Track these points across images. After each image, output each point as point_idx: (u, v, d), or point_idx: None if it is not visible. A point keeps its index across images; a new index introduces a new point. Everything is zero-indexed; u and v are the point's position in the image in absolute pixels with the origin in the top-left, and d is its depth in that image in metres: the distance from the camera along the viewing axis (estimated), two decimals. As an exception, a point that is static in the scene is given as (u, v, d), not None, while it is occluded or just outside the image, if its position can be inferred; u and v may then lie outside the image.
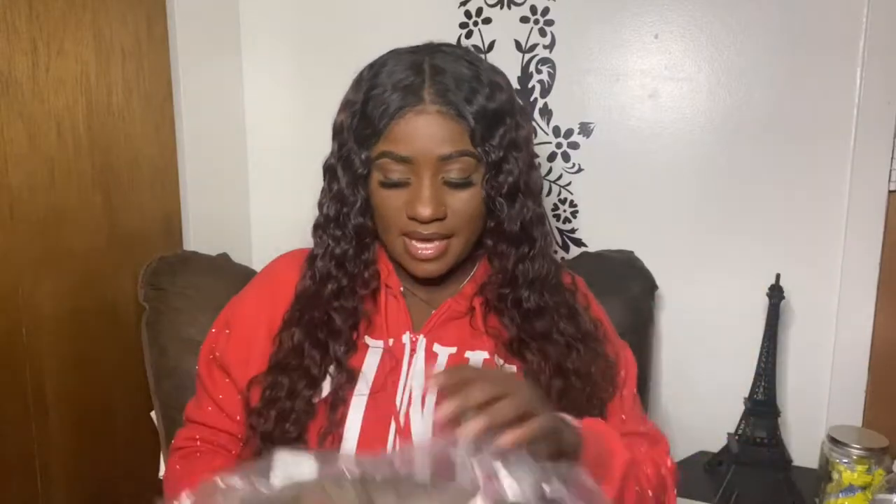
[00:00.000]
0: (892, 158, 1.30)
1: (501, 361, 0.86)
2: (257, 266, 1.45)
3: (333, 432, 0.81)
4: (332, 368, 0.84)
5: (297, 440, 0.81)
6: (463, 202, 0.81)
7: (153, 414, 1.27)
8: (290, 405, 0.82)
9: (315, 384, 0.83)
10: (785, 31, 1.33)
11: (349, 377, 0.83)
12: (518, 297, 0.86)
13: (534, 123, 1.47)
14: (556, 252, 0.94)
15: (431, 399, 0.83)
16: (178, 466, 0.92)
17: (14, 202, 1.09)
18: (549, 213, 1.50)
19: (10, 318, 1.10)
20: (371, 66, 0.83)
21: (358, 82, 0.83)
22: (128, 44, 1.29)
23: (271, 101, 1.61)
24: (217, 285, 1.29)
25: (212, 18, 1.51)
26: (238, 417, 0.90)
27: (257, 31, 1.59)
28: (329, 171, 0.86)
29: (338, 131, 0.85)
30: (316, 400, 0.83)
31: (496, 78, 0.82)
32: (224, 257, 1.40)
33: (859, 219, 1.33)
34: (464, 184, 0.80)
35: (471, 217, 0.82)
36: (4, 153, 1.07)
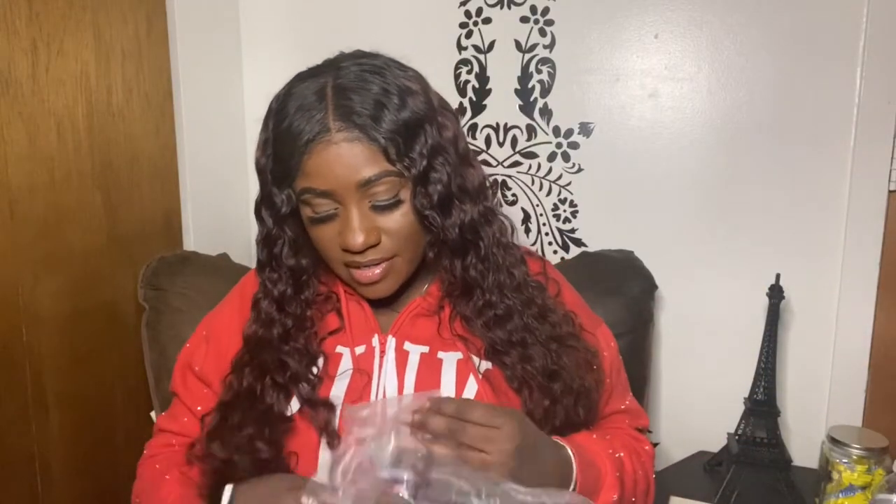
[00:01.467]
0: (892, 158, 1.30)
1: (478, 360, 0.84)
2: (257, 266, 1.45)
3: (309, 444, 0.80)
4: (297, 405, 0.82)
5: (272, 458, 0.79)
6: (395, 223, 0.78)
7: (153, 414, 1.27)
8: (256, 431, 0.79)
9: (285, 421, 0.80)
10: (785, 31, 1.33)
11: (323, 407, 0.81)
12: (479, 305, 0.84)
13: (533, 124, 1.47)
14: (514, 241, 0.90)
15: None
16: (157, 466, 0.90)
17: (14, 202, 1.09)
18: (549, 213, 1.50)
19: (10, 318, 1.10)
20: (277, 96, 0.80)
21: (266, 117, 0.80)
22: (128, 44, 1.29)
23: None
24: (217, 285, 1.29)
25: (212, 18, 1.51)
26: None
27: (257, 31, 1.59)
28: (257, 212, 0.84)
29: (259, 171, 0.82)
30: (289, 413, 0.81)
31: (407, 83, 0.78)
32: (224, 257, 1.40)
33: (859, 219, 1.33)
34: (392, 204, 0.77)
35: (407, 235, 0.80)
36: (4, 153, 1.07)
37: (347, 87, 0.75)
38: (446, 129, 0.80)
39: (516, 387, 0.83)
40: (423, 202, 0.78)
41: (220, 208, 1.56)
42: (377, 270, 0.80)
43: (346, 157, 0.74)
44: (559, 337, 0.86)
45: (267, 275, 0.85)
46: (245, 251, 1.64)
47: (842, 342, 1.38)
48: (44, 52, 1.13)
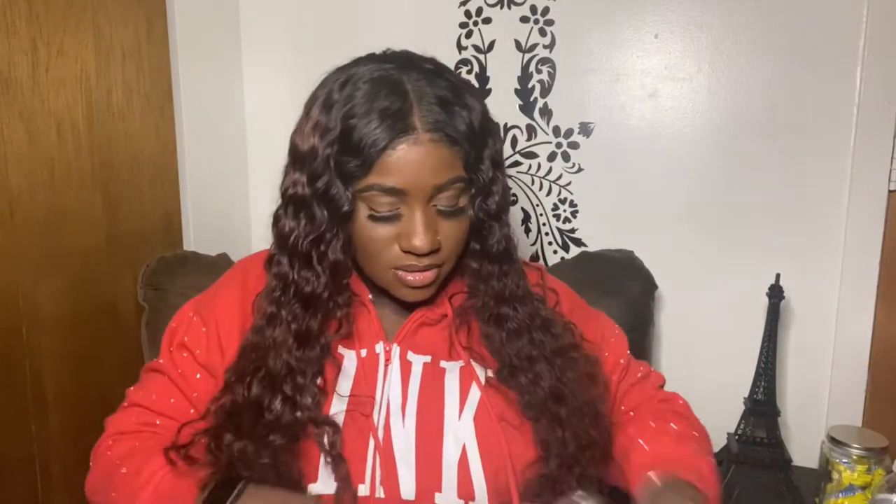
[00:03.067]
0: (892, 158, 1.31)
1: (482, 369, 0.84)
2: (257, 266, 1.45)
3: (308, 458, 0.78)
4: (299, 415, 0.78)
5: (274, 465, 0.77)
6: (454, 230, 0.78)
7: (153, 414, 1.27)
8: (261, 446, 0.76)
9: (294, 432, 0.77)
10: (785, 31, 1.33)
11: (324, 423, 0.78)
12: (503, 315, 0.84)
13: (533, 124, 1.47)
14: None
15: (412, 411, 0.80)
16: (136, 444, 0.85)
17: (14, 202, 1.09)
18: (549, 213, 1.50)
19: (10, 318, 1.10)
20: (342, 83, 0.76)
21: (328, 104, 0.76)
22: (128, 44, 1.29)
23: (271, 101, 1.61)
24: (217, 285, 1.29)
25: (212, 18, 1.51)
26: (195, 394, 0.85)
27: (257, 31, 1.59)
28: (296, 201, 0.78)
29: (306, 157, 0.77)
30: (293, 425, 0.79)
31: (472, 94, 0.78)
32: (224, 257, 1.40)
33: (859, 219, 1.33)
34: (455, 211, 0.77)
35: (460, 243, 0.80)
36: (4, 153, 1.07)
37: (427, 90, 0.74)
38: (499, 142, 0.82)
39: (532, 416, 0.82)
40: (482, 212, 0.79)
41: (220, 208, 1.56)
42: (430, 274, 0.78)
43: (430, 158, 0.73)
44: (561, 349, 0.85)
45: (299, 270, 0.79)
46: (245, 251, 1.63)
47: (842, 342, 1.38)
48: (44, 52, 1.13)
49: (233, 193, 1.61)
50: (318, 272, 0.79)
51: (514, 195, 1.51)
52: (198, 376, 0.86)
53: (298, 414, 0.77)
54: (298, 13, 1.57)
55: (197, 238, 1.46)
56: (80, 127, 1.20)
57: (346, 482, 0.77)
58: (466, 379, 0.83)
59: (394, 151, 0.72)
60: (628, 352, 0.97)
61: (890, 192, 1.32)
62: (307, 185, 0.77)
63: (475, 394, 0.82)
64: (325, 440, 0.77)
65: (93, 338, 1.25)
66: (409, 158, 0.72)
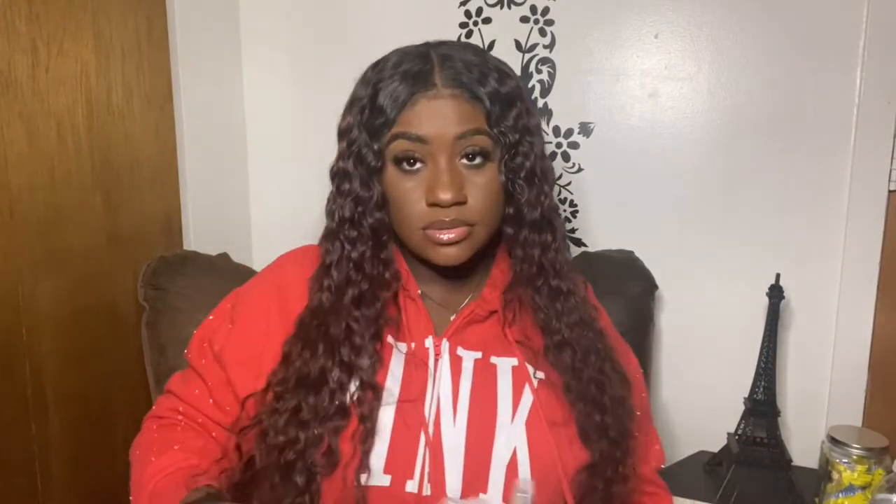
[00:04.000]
0: (892, 158, 1.31)
1: (532, 370, 0.84)
2: (257, 266, 1.46)
3: (362, 446, 0.77)
4: (356, 383, 0.80)
5: (328, 467, 0.77)
6: (482, 184, 0.78)
7: (153, 414, 1.27)
8: (319, 431, 0.77)
9: (344, 411, 0.78)
10: (785, 30, 1.33)
11: (375, 392, 0.79)
12: (553, 286, 0.83)
13: (534, 123, 1.47)
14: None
15: (464, 408, 0.80)
16: (156, 435, 0.88)
17: (14, 202, 1.09)
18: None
19: (10, 318, 1.10)
20: (375, 64, 0.82)
21: (363, 81, 0.82)
22: (128, 44, 1.29)
23: (271, 101, 1.61)
24: (217, 285, 1.29)
25: (212, 18, 1.51)
26: (228, 408, 0.86)
27: (257, 31, 1.59)
28: (339, 174, 0.82)
29: (345, 131, 0.82)
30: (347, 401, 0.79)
31: (503, 66, 0.82)
32: (224, 257, 1.40)
33: (859, 219, 1.33)
34: (482, 162, 0.78)
35: (491, 200, 0.79)
36: (4, 153, 1.07)
37: (451, 55, 0.78)
38: (534, 118, 0.83)
39: (572, 399, 0.82)
40: (511, 171, 0.79)
41: (220, 208, 1.56)
42: (460, 231, 0.78)
43: (449, 110, 0.76)
44: (599, 349, 0.86)
45: (346, 234, 0.82)
46: (245, 251, 1.64)
47: (842, 342, 1.38)
48: (44, 52, 1.13)
49: (233, 193, 1.61)
50: (360, 234, 0.82)
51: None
52: (219, 373, 0.87)
53: (354, 382, 0.79)
54: (298, 13, 1.57)
55: (197, 238, 1.46)
56: (80, 127, 1.20)
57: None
58: (519, 380, 0.83)
59: (414, 105, 0.76)
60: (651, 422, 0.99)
61: (890, 192, 1.32)
62: (346, 155, 0.81)
63: (528, 397, 0.82)
64: (367, 411, 0.78)
65: (93, 338, 1.25)
66: (430, 110, 0.76)
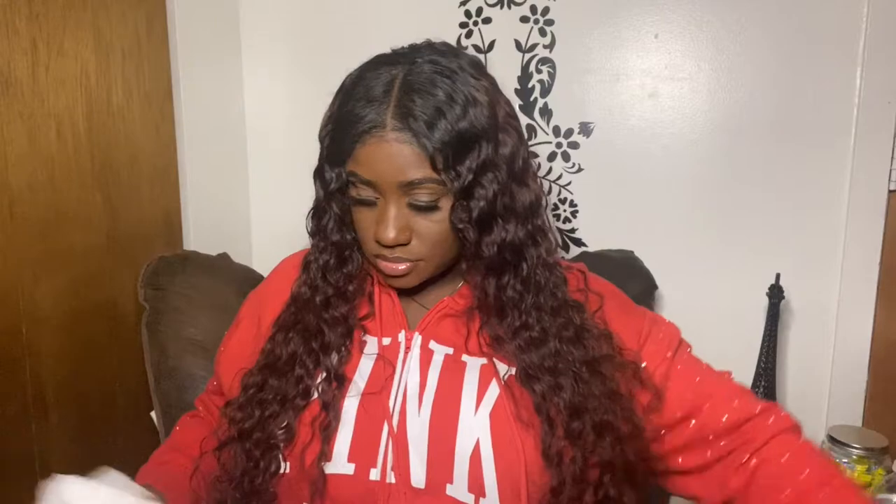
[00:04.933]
0: (892, 158, 1.31)
1: (505, 367, 0.83)
2: (257, 266, 1.46)
3: (322, 433, 0.80)
4: (322, 374, 0.84)
5: (285, 442, 0.81)
6: (428, 228, 0.79)
7: (153, 414, 1.27)
8: (278, 409, 0.82)
9: (307, 394, 0.83)
10: (785, 30, 1.33)
11: (340, 383, 0.83)
12: (515, 326, 0.82)
13: (534, 124, 1.47)
14: (559, 256, 0.88)
15: (429, 400, 0.81)
16: (176, 428, 1.00)
17: (14, 202, 1.09)
18: (550, 213, 1.50)
19: (10, 318, 1.10)
20: (350, 75, 0.81)
21: (338, 91, 0.82)
22: (128, 43, 1.29)
23: (271, 101, 1.61)
24: (217, 285, 1.29)
25: (212, 18, 1.51)
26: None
27: (257, 31, 1.59)
28: (315, 176, 0.85)
29: (320, 140, 0.84)
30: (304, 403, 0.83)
31: (475, 93, 0.77)
32: (224, 257, 1.40)
33: (859, 219, 1.33)
34: (429, 208, 0.78)
35: (436, 242, 0.80)
36: (4, 153, 1.07)
37: (413, 86, 0.75)
38: (504, 146, 0.79)
39: (542, 418, 0.80)
40: (461, 216, 0.78)
41: (220, 208, 1.56)
42: (401, 266, 0.81)
43: (394, 156, 0.75)
44: (592, 361, 0.83)
45: (317, 242, 0.87)
46: (245, 251, 1.64)
47: (842, 342, 1.38)
48: (44, 52, 1.13)
49: (233, 193, 1.61)
50: (325, 246, 0.86)
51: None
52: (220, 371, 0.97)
53: (321, 373, 0.84)
54: (298, 13, 1.57)
55: (197, 238, 1.46)
56: (80, 127, 1.20)
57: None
58: (486, 375, 0.83)
59: (364, 145, 0.76)
60: (713, 374, 0.91)
61: (890, 192, 1.32)
62: (319, 161, 0.84)
63: (494, 391, 0.81)
64: (330, 398, 0.82)
65: (93, 338, 1.25)
66: (377, 154, 0.76)
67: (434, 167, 0.75)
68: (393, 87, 0.76)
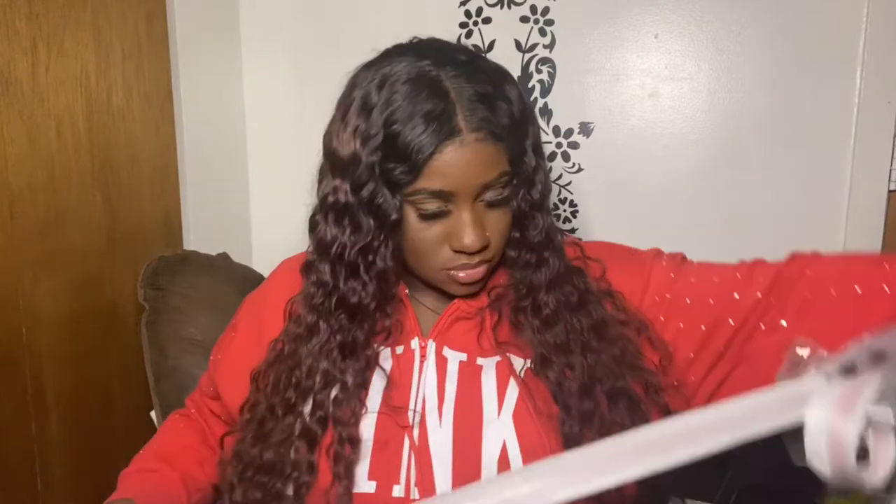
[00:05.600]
0: (892, 158, 1.31)
1: (521, 362, 0.81)
2: (257, 266, 1.46)
3: (343, 454, 0.77)
4: (335, 391, 0.80)
5: (306, 475, 0.77)
6: (498, 222, 0.77)
7: (153, 414, 1.27)
8: (298, 444, 0.78)
9: (324, 423, 0.78)
10: (785, 31, 1.33)
11: (355, 405, 0.78)
12: (537, 304, 0.81)
13: (534, 123, 1.48)
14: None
15: (449, 410, 0.79)
16: (162, 427, 0.98)
17: (14, 202, 1.09)
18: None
19: (10, 318, 1.10)
20: (378, 84, 0.73)
21: (367, 107, 0.73)
22: (128, 43, 1.29)
23: (271, 101, 1.61)
24: (217, 285, 1.29)
25: (212, 18, 1.51)
26: (222, 405, 0.91)
27: (257, 31, 1.59)
28: (337, 209, 0.76)
29: (348, 164, 0.74)
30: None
31: (510, 82, 0.77)
32: (224, 257, 1.40)
33: (859, 219, 1.33)
34: (500, 202, 0.75)
35: (504, 236, 0.78)
36: (4, 153, 1.07)
37: (466, 86, 0.72)
38: (538, 128, 0.80)
39: (560, 405, 0.79)
40: (525, 202, 0.77)
41: (220, 208, 1.56)
42: (481, 270, 0.77)
43: (476, 157, 0.71)
44: (598, 325, 0.81)
45: (345, 279, 0.77)
46: (245, 251, 1.64)
47: (842, 342, 1.38)
48: (44, 52, 1.13)
49: (233, 193, 1.61)
50: (364, 281, 0.77)
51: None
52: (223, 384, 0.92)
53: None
54: (298, 13, 1.57)
55: (197, 238, 1.46)
56: (80, 127, 1.20)
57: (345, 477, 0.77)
58: (503, 375, 0.81)
59: (441, 155, 0.70)
60: (716, 268, 0.85)
61: (890, 192, 1.32)
62: (351, 193, 0.74)
63: (513, 391, 0.80)
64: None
65: (93, 338, 1.25)
66: (457, 161, 0.71)
67: (510, 160, 0.74)
68: (446, 90, 0.71)
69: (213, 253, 1.39)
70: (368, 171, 0.72)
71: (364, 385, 0.80)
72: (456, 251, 0.75)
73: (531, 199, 0.77)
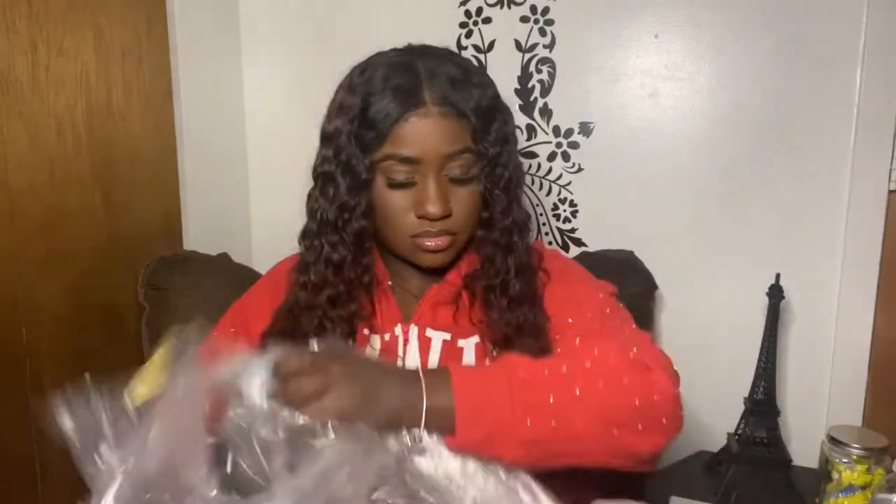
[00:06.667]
0: (892, 158, 1.31)
1: (491, 346, 0.87)
2: (257, 266, 1.46)
3: None
4: None
5: None
6: (464, 198, 0.83)
7: (153, 414, 1.27)
8: None
9: None
10: (785, 31, 1.33)
11: None
12: (506, 285, 0.87)
13: (533, 124, 1.47)
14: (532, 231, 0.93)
15: None
16: None
17: (14, 202, 1.09)
18: (549, 213, 1.50)
19: (10, 318, 1.10)
20: (361, 70, 0.84)
21: (350, 87, 0.84)
22: (128, 44, 1.29)
23: (271, 101, 1.61)
24: (217, 285, 1.29)
25: (212, 18, 1.51)
26: None
27: (257, 31, 1.59)
28: (324, 176, 0.85)
29: (332, 136, 0.84)
30: None
31: (483, 77, 0.85)
32: (224, 257, 1.40)
33: (859, 219, 1.33)
34: (466, 179, 0.83)
35: (471, 213, 0.85)
36: (4, 153, 1.07)
37: (437, 69, 0.81)
38: (509, 124, 0.86)
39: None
40: (491, 182, 0.84)
41: (220, 208, 1.56)
42: (445, 240, 0.83)
43: (439, 129, 0.80)
44: (539, 329, 0.87)
45: (328, 237, 0.86)
46: (245, 251, 1.64)
47: (842, 342, 1.38)
48: (44, 52, 1.13)
49: (233, 193, 1.61)
50: (343, 238, 0.85)
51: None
52: None
53: None
54: (298, 13, 1.57)
55: (197, 238, 1.46)
56: (80, 127, 1.20)
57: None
58: (481, 357, 0.88)
59: (406, 123, 0.79)
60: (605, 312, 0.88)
61: (890, 192, 1.32)
62: (332, 160, 0.84)
63: None
64: None
65: (93, 338, 1.25)
66: (420, 129, 0.79)
67: (472, 137, 0.81)
68: (418, 72, 0.80)
69: (213, 253, 1.39)
70: (346, 138, 0.82)
71: (352, 341, 0.87)
72: (419, 217, 0.82)
73: (496, 180, 0.84)
